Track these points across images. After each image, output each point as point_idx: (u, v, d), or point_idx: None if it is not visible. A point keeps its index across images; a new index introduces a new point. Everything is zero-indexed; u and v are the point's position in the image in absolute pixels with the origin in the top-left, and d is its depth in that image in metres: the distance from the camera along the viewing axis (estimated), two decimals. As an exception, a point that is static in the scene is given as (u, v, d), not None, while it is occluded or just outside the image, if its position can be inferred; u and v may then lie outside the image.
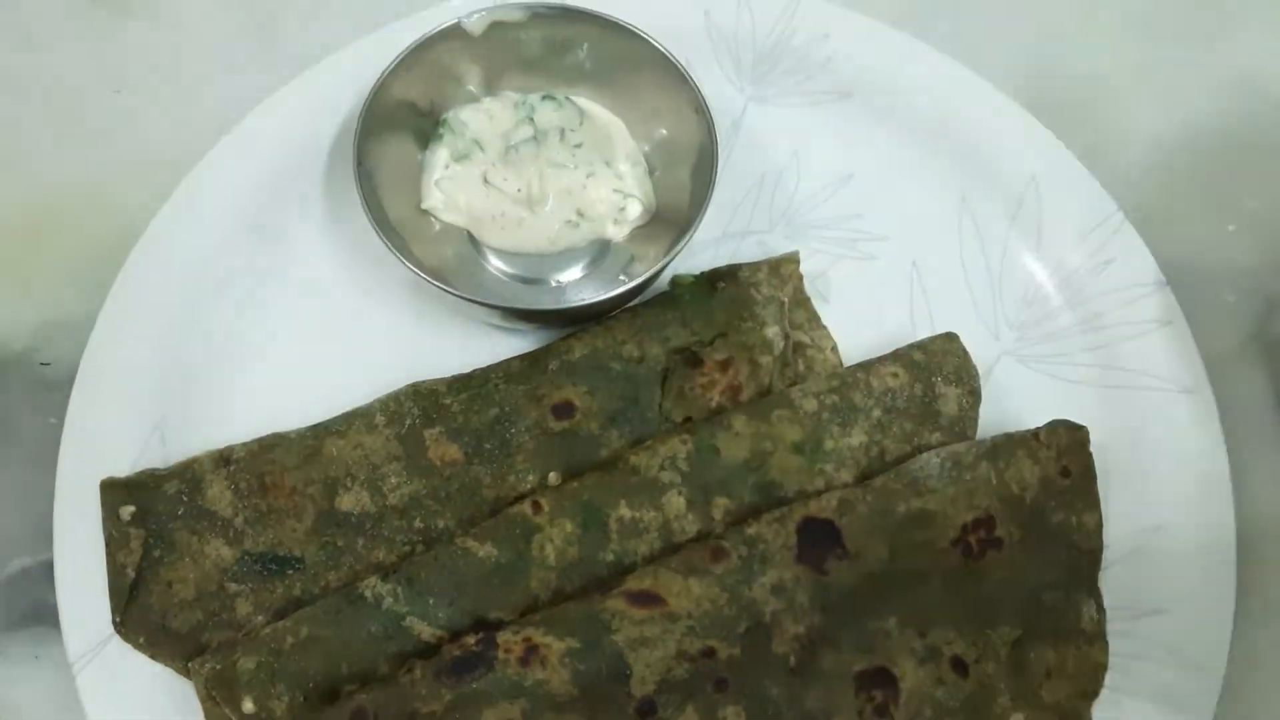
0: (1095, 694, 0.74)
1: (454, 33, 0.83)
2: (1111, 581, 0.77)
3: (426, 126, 0.86)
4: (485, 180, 0.84)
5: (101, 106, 0.92)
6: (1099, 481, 0.77)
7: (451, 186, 0.84)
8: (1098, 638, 0.75)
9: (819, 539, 0.74)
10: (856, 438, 0.78)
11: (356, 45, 0.88)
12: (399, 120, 0.84)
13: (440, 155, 0.85)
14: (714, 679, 0.71)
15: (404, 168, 0.85)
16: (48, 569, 0.76)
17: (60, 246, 0.87)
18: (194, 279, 0.83)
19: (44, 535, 0.76)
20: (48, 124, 0.91)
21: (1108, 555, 0.77)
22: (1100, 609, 0.76)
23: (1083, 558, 0.76)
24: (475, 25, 0.84)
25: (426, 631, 0.72)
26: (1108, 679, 0.74)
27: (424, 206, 0.84)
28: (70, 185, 0.89)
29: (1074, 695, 0.74)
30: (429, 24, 0.83)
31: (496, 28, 0.84)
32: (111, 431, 0.78)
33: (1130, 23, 0.97)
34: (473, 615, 0.73)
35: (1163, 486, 0.80)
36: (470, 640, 0.70)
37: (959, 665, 0.73)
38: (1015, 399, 0.82)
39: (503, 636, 0.70)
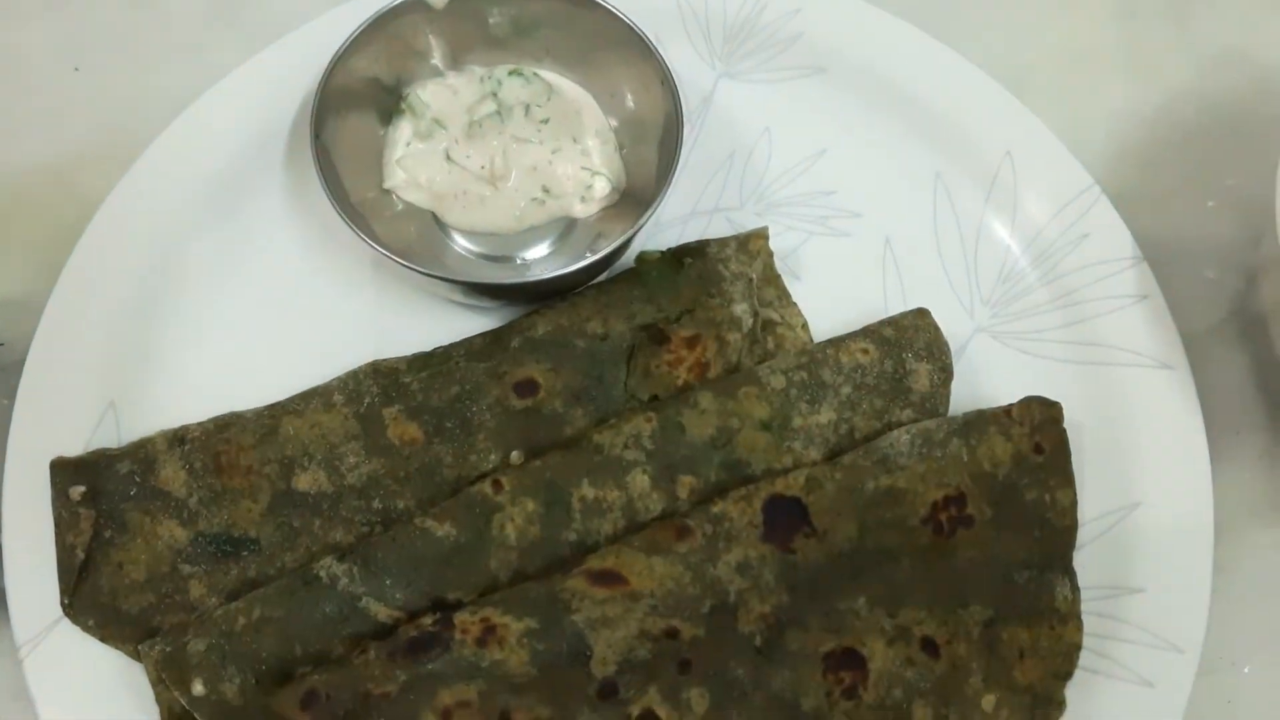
0: (1069, 675, 0.73)
1: (416, 6, 0.82)
2: (1086, 560, 0.75)
3: (389, 103, 0.84)
4: (448, 157, 0.82)
5: (61, 84, 0.90)
6: (1074, 459, 0.76)
7: (413, 164, 0.83)
8: (1072, 617, 0.73)
9: (786, 517, 0.72)
10: (825, 415, 0.76)
11: (317, 21, 0.86)
12: (359, 97, 0.82)
13: (402, 132, 0.84)
14: (677, 660, 0.69)
15: (365, 145, 0.83)
16: (-1, 552, 0.74)
17: (17, 226, 0.86)
18: (150, 258, 0.81)
19: (-7, 518, 0.75)
20: (5, 102, 0.89)
21: (1082, 534, 0.75)
22: (1074, 588, 0.74)
23: (1057, 536, 0.75)
24: (437, -1, 0.83)
25: (383, 612, 0.70)
26: (1082, 659, 0.73)
27: (386, 186, 0.83)
28: (28, 164, 0.88)
29: (1047, 676, 0.72)
30: (390, -3, 0.81)
31: (460, 1, 0.83)
32: (63, 411, 0.77)
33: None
34: (430, 596, 0.71)
35: (1140, 464, 0.78)
36: (426, 621, 0.69)
37: (929, 646, 0.72)
38: (990, 376, 0.81)
39: (460, 617, 0.69)
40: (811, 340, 0.81)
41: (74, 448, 0.76)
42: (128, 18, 0.92)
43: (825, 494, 0.73)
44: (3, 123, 0.89)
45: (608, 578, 0.70)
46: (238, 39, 0.89)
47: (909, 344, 0.79)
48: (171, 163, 0.83)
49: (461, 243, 0.83)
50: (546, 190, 0.82)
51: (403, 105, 0.84)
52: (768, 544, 0.72)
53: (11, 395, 0.77)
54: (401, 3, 0.81)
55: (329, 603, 0.70)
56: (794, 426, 0.76)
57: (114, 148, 0.85)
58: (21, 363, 0.78)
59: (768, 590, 0.71)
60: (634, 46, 0.81)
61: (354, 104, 0.82)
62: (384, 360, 0.78)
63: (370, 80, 0.83)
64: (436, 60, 0.85)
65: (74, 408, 0.77)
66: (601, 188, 0.83)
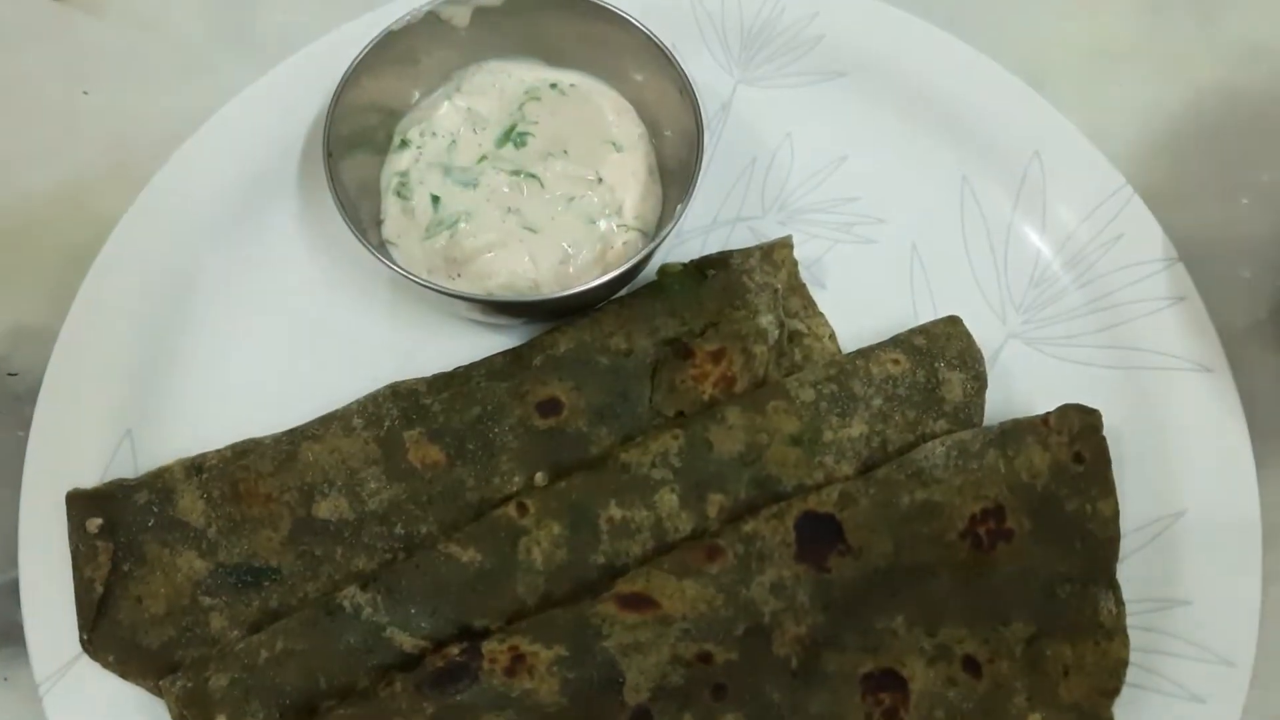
0: (1116, 691, 0.70)
1: (430, 22, 0.80)
2: (1130, 572, 0.73)
3: (395, 125, 0.83)
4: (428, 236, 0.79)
5: (71, 108, 0.89)
6: (1114, 467, 0.74)
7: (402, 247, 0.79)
8: (1117, 632, 0.71)
9: (819, 535, 0.70)
10: (857, 428, 0.74)
11: (326, 38, 0.85)
12: (372, 113, 0.81)
13: (391, 206, 0.80)
14: (711, 685, 0.67)
15: (379, 163, 0.82)
16: (15, 588, 0.73)
17: (29, 253, 0.85)
18: (163, 282, 0.80)
19: (10, 553, 0.73)
20: (16, 127, 0.88)
21: (1126, 544, 0.73)
22: (1119, 601, 0.72)
23: (1099, 548, 0.72)
24: (457, 14, 0.81)
25: (408, 642, 0.69)
26: (1129, 675, 0.71)
27: (385, 236, 0.80)
28: (39, 189, 0.86)
29: (1094, 693, 0.70)
30: (402, 12, 0.80)
31: (478, 13, 0.81)
32: (79, 442, 0.75)
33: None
34: (456, 624, 0.69)
35: (1182, 470, 0.76)
36: (453, 650, 0.67)
37: (971, 665, 0.70)
38: (1024, 383, 0.79)
39: (488, 646, 0.67)
40: (840, 351, 0.79)
41: (90, 478, 0.74)
42: (136, 39, 0.91)
43: (859, 510, 0.71)
44: (13, 148, 0.88)
45: (638, 601, 0.68)
46: (246, 58, 0.88)
47: (941, 353, 0.76)
48: (184, 185, 0.82)
49: (480, 260, 0.81)
50: (570, 250, 0.78)
51: (402, 139, 0.82)
52: (801, 563, 0.70)
53: (26, 426, 0.76)
54: (414, 21, 0.80)
55: (353, 633, 0.68)
56: (825, 441, 0.74)
57: (125, 170, 0.84)
58: (35, 392, 0.77)
59: (803, 611, 0.69)
60: (650, 55, 0.80)
61: (366, 121, 0.81)
62: (403, 382, 0.76)
63: (382, 98, 0.81)
64: (451, 79, 0.83)
65: (90, 437, 0.76)
66: (630, 240, 0.79)
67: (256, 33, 0.91)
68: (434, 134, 0.81)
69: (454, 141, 0.80)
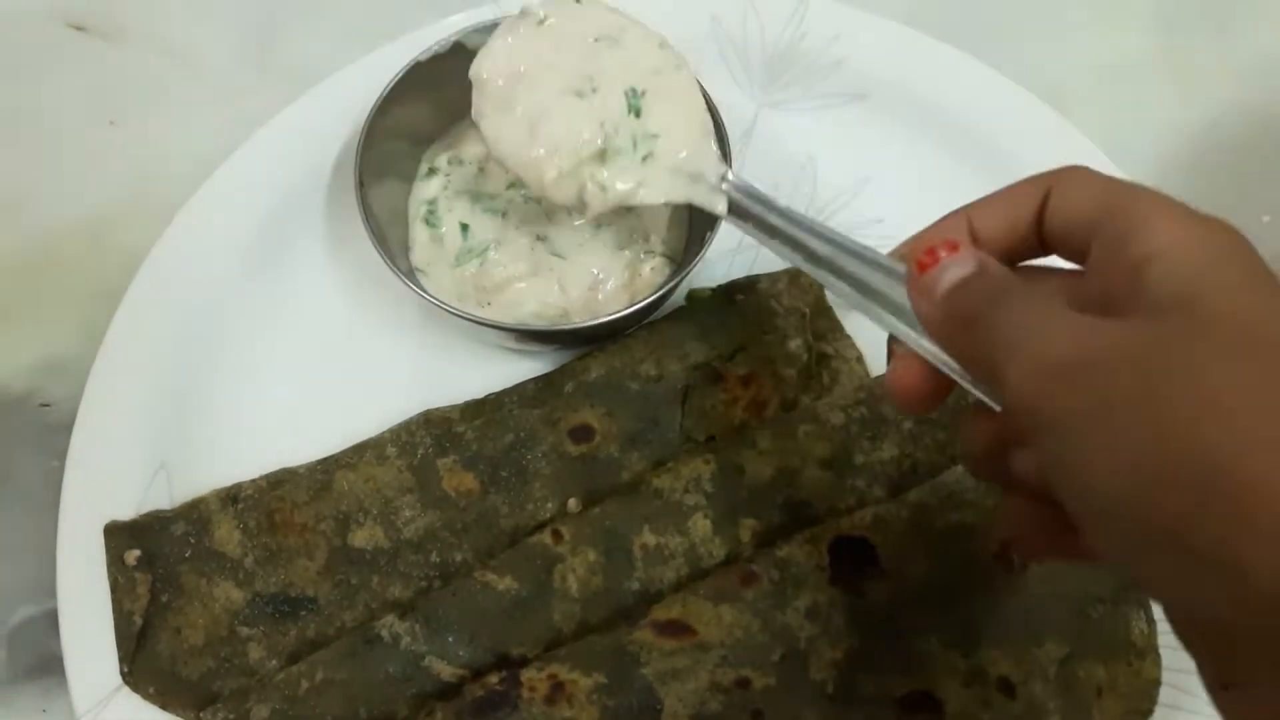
0: (1150, 712, 0.71)
1: (456, 50, 0.81)
2: (1161, 592, 0.73)
3: (422, 153, 0.83)
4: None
5: (97, 139, 0.90)
6: (1143, 487, 0.74)
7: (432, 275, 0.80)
8: (1150, 651, 0.71)
9: (853, 558, 0.71)
10: (888, 451, 0.75)
11: (354, 65, 0.86)
12: (400, 141, 0.81)
13: (420, 234, 0.81)
14: (749, 710, 0.67)
15: (406, 190, 0.82)
16: (53, 618, 0.73)
17: (59, 285, 0.85)
18: (194, 313, 0.80)
19: (48, 583, 0.73)
20: (42, 159, 0.89)
21: (1156, 564, 0.73)
22: (1150, 620, 0.72)
23: (1130, 567, 0.73)
24: (481, 43, 0.81)
25: (447, 671, 0.69)
26: (1162, 695, 0.71)
27: (414, 264, 0.81)
28: (68, 222, 0.87)
29: (1127, 714, 0.70)
30: (432, 40, 0.80)
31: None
32: (114, 473, 0.76)
33: (1147, 10, 0.95)
34: (494, 652, 0.69)
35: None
36: (493, 679, 0.67)
37: (1006, 686, 0.70)
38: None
39: (526, 674, 0.67)
40: (868, 373, 0.80)
41: (126, 510, 0.75)
42: (161, 68, 0.92)
43: (893, 533, 0.71)
44: (39, 180, 0.88)
45: (675, 628, 0.69)
46: (274, 85, 0.88)
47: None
48: (213, 216, 0.82)
49: (509, 286, 0.82)
50: (599, 276, 0.79)
51: (430, 167, 0.82)
52: (836, 587, 0.70)
53: (61, 456, 0.76)
54: (441, 51, 0.80)
55: (392, 662, 0.69)
56: (856, 464, 0.74)
57: (153, 201, 0.84)
58: (70, 424, 0.77)
59: (838, 635, 0.69)
60: (675, 80, 0.80)
61: (394, 149, 0.81)
62: (436, 410, 0.77)
63: (410, 126, 0.82)
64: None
65: (125, 469, 0.76)
66: (657, 265, 0.80)
67: (281, 60, 0.92)
68: (461, 161, 0.81)
69: (481, 169, 0.81)
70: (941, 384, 0.54)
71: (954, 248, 0.52)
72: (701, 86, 0.76)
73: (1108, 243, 0.50)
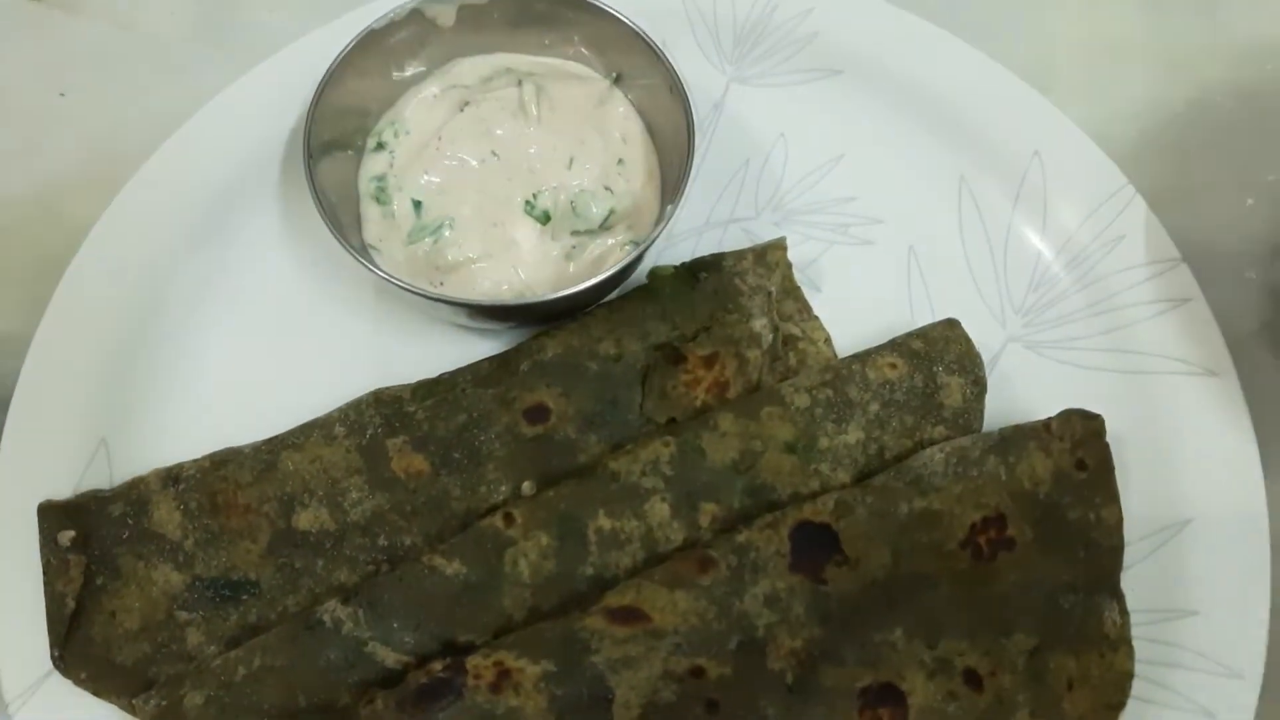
0: (1122, 705, 0.68)
1: (414, 19, 0.78)
2: (1135, 582, 0.71)
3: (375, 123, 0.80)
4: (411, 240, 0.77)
5: (46, 110, 0.87)
6: (1118, 474, 0.71)
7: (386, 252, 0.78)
8: (1122, 643, 0.69)
9: (815, 545, 0.68)
10: (853, 434, 0.72)
11: (306, 38, 0.83)
12: (354, 115, 0.79)
13: (371, 210, 0.78)
14: (704, 700, 0.65)
15: (359, 164, 0.79)
16: (-13, 601, 0.70)
17: (2, 259, 0.82)
18: (140, 288, 0.78)
19: (-18, 565, 0.71)
20: (-12, 129, 0.86)
21: (1130, 553, 0.71)
22: (1124, 612, 0.70)
23: (1103, 556, 0.70)
24: (442, 13, 0.78)
25: (391, 658, 0.66)
26: (1135, 688, 0.68)
27: (367, 240, 0.78)
28: (12, 194, 0.84)
29: (1099, 707, 0.68)
30: (384, 10, 0.78)
31: (464, 11, 0.79)
32: (52, 451, 0.73)
33: (1133, -12, 0.92)
34: (440, 639, 0.67)
35: (1188, 477, 0.74)
36: (437, 666, 0.65)
37: (972, 678, 0.67)
38: (1024, 388, 0.77)
39: (472, 661, 0.65)
40: (835, 355, 0.77)
41: (64, 489, 0.72)
42: (114, 39, 0.89)
43: (856, 519, 0.69)
44: (-14, 151, 0.85)
45: (628, 615, 0.66)
46: (225, 59, 0.86)
47: (939, 357, 0.74)
48: (160, 188, 0.80)
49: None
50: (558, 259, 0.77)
51: (378, 141, 0.79)
52: (797, 574, 0.68)
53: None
54: (398, 18, 0.77)
55: (334, 649, 0.66)
56: (820, 448, 0.72)
57: (101, 173, 0.82)
58: (7, 401, 0.74)
59: (798, 624, 0.67)
60: (639, 52, 0.78)
61: (348, 122, 0.78)
62: (387, 389, 0.74)
63: (365, 99, 0.79)
64: (431, 83, 0.81)
65: (63, 447, 0.73)
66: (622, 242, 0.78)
67: (237, 32, 0.89)
68: (408, 132, 0.79)
69: (435, 138, 0.78)
70: None
71: None
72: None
73: None
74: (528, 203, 0.75)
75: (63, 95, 0.87)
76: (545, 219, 0.75)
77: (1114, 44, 0.91)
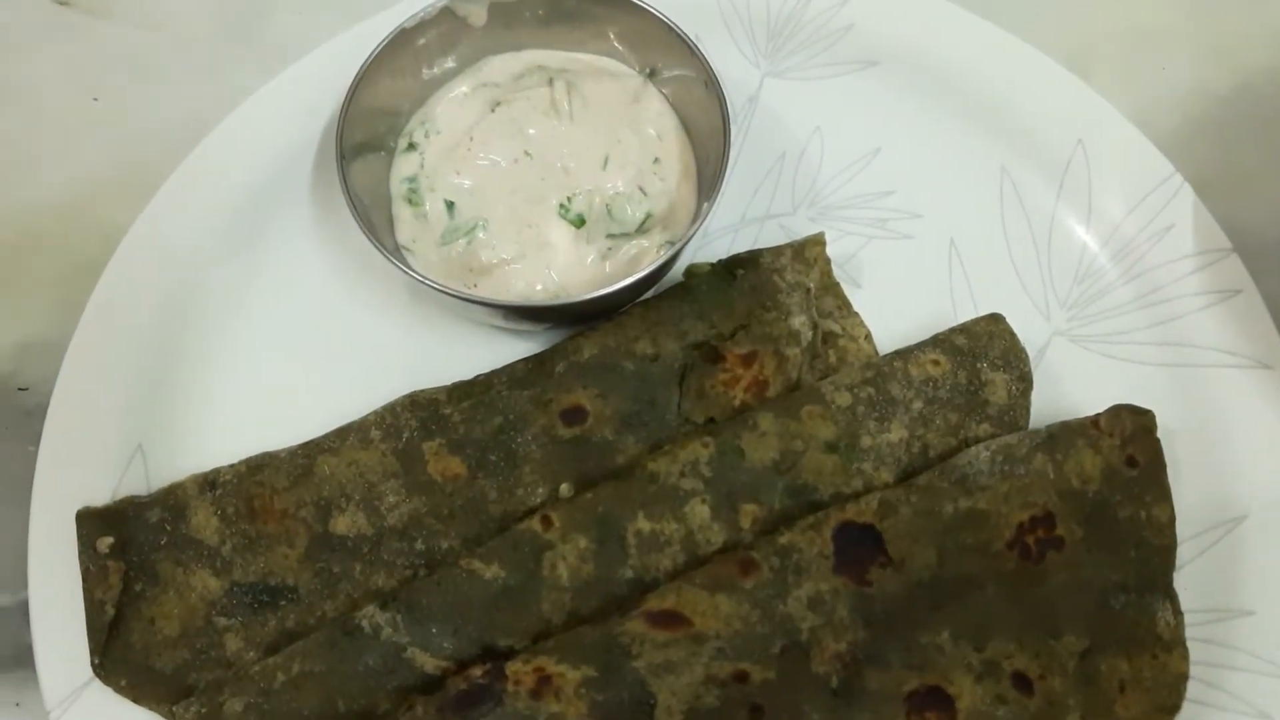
0: (1177, 708, 0.66)
1: (445, 17, 0.77)
2: (1188, 581, 0.69)
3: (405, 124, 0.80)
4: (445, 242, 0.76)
5: (79, 114, 0.87)
6: (1169, 470, 0.70)
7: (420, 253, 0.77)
8: (1176, 644, 0.67)
9: (859, 546, 0.67)
10: (896, 433, 0.71)
11: (340, 39, 0.83)
12: (386, 116, 0.78)
13: (404, 211, 0.77)
14: (748, 705, 0.64)
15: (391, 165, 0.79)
16: (27, 609, 0.70)
17: (36, 264, 0.83)
18: (174, 292, 0.78)
19: (23, 572, 0.71)
20: (22, 134, 0.86)
21: (1183, 552, 0.69)
22: (1177, 612, 0.68)
23: (1155, 555, 0.68)
24: (473, 12, 0.78)
25: (429, 663, 0.66)
26: (1190, 690, 0.67)
27: (400, 241, 0.77)
28: (46, 199, 0.84)
29: (1153, 710, 0.66)
30: (413, 10, 0.77)
31: (495, 9, 0.78)
32: (90, 458, 0.73)
33: (1176, -28, 0.90)
34: (479, 643, 0.66)
35: (1241, 473, 0.72)
36: (476, 672, 0.64)
37: (1022, 681, 0.66)
38: (1071, 383, 0.75)
39: (512, 666, 0.64)
40: (876, 352, 0.76)
41: (101, 495, 0.72)
42: (144, 42, 0.89)
43: (900, 519, 0.67)
44: (20, 156, 0.86)
45: (669, 619, 0.65)
46: (256, 61, 0.86)
47: (983, 353, 0.73)
48: (194, 192, 0.79)
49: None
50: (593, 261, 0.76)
51: (409, 142, 0.79)
52: (840, 576, 0.66)
53: (36, 441, 0.73)
54: (429, 17, 0.77)
55: (372, 654, 0.66)
56: (863, 447, 0.71)
57: (134, 177, 0.82)
58: (45, 407, 0.74)
59: (842, 626, 0.66)
60: (672, 47, 0.77)
61: (380, 123, 0.78)
62: (422, 391, 0.74)
63: (397, 99, 0.78)
64: (461, 82, 0.80)
65: (101, 453, 0.73)
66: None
67: (267, 34, 0.89)
68: (439, 132, 0.78)
69: (467, 138, 0.77)
70: None
71: None
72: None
73: None
74: (562, 206, 0.74)
75: (96, 100, 0.87)
76: (580, 222, 0.74)
77: (1155, 30, 0.89)
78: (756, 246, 0.78)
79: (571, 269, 0.75)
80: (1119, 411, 0.70)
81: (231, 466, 0.72)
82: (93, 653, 0.68)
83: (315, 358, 0.77)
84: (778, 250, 0.77)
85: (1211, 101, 0.86)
